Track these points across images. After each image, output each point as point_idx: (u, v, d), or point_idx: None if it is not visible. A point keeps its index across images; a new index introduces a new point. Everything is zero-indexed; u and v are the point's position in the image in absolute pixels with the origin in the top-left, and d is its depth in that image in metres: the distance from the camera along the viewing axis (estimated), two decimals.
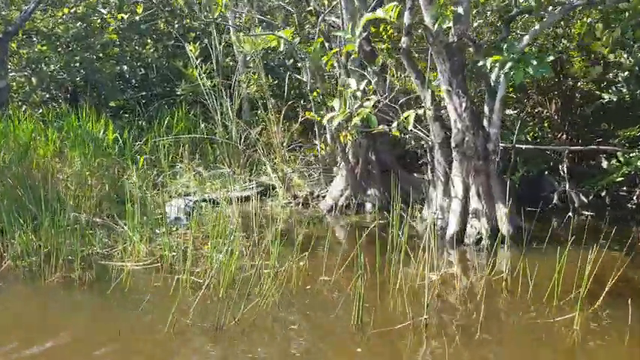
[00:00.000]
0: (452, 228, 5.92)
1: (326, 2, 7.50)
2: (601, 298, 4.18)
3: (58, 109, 9.38)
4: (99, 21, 9.81)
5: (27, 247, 5.52)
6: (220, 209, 5.96)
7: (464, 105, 5.83)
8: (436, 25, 5.51)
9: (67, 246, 5.38)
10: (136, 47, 10.27)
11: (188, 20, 10.67)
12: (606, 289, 4.16)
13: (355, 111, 5.90)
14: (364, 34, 6.51)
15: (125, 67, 9.68)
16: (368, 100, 5.86)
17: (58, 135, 7.44)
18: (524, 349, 3.89)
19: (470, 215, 5.90)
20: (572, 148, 6.77)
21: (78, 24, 9.24)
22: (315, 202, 7.61)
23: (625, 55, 6.45)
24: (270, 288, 4.34)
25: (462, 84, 5.86)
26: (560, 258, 4.25)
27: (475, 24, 6.36)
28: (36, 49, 9.61)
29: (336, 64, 7.39)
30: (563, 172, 7.20)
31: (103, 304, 4.69)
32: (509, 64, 5.49)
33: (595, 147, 6.84)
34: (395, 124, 6.28)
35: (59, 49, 9.84)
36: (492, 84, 6.01)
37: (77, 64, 9.49)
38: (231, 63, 10.08)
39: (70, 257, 5.31)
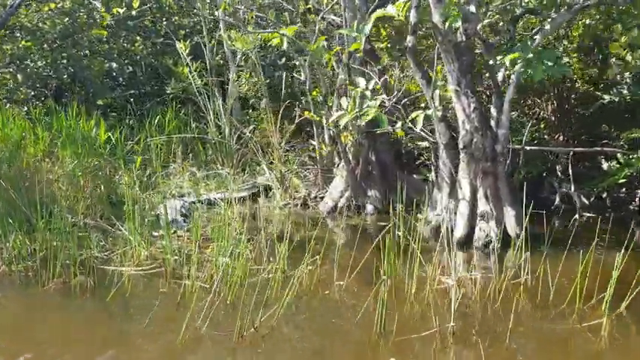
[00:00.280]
0: (459, 231, 5.80)
1: (325, 0, 7.34)
2: (626, 302, 4.10)
3: (43, 107, 9.10)
4: (85, 17, 9.53)
5: (21, 251, 5.30)
6: (224, 210, 5.75)
7: (472, 105, 5.72)
8: (447, 24, 5.38)
9: (64, 250, 5.16)
10: (124, 44, 10.00)
11: (177, 18, 10.46)
12: (631, 293, 4.07)
13: (363, 110, 5.74)
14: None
15: (114, 65, 9.41)
16: (375, 99, 5.71)
17: (47, 134, 7.19)
18: (556, 356, 3.78)
19: (478, 218, 5.79)
20: (576, 149, 6.71)
21: (66, 19, 8.95)
22: (313, 204, 7.45)
23: (629, 56, 6.39)
24: (286, 293, 4.16)
25: (470, 84, 5.76)
26: (583, 260, 4.16)
27: (479, 25, 6.22)
28: (20, 45, 9.30)
29: (334, 64, 7.25)
30: (568, 173, 7.14)
31: (106, 312, 4.48)
32: (520, 64, 5.38)
33: (599, 149, 6.78)
34: (399, 124, 6.17)
35: (44, 45, 9.54)
36: (500, 84, 5.93)
37: (64, 61, 9.21)
38: (221, 61, 9.88)
39: (66, 262, 5.10)
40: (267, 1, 9.51)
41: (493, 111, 5.98)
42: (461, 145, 5.83)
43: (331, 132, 7.73)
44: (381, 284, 3.98)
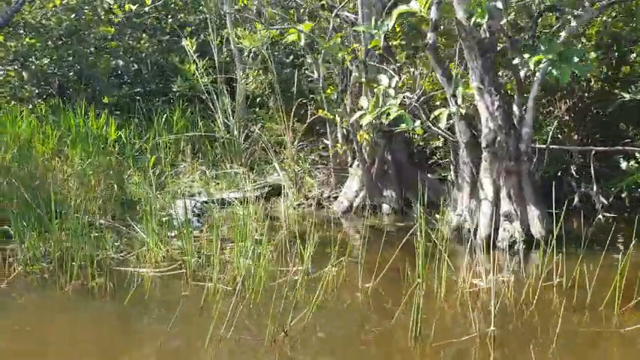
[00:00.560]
0: (483, 231, 5.69)
1: None
2: None
3: (47, 105, 8.93)
4: (90, 14, 9.38)
5: (36, 253, 5.15)
6: (243, 210, 5.62)
7: (496, 103, 5.61)
8: (472, 21, 5.26)
9: (81, 251, 5.02)
10: (130, 42, 9.84)
11: (182, 15, 10.31)
12: None
13: (384, 109, 5.62)
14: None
15: (120, 62, 9.25)
16: (396, 97, 5.59)
17: (56, 132, 7.03)
18: None
19: (501, 218, 5.67)
20: (598, 148, 6.59)
21: (72, 16, 8.80)
22: (327, 204, 7.32)
23: None
24: (316, 296, 4.03)
25: (493, 82, 5.64)
26: (622, 261, 4.04)
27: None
28: (24, 43, 9.14)
29: (348, 62, 7.11)
30: (582, 173, 7.03)
31: (128, 316, 4.34)
32: (545, 63, 5.27)
33: (621, 148, 6.68)
34: (418, 122, 6.05)
35: (49, 43, 9.38)
36: (522, 82, 5.82)
37: (70, 59, 9.05)
38: (227, 59, 9.74)
39: (82, 263, 4.95)
40: None
41: (515, 109, 5.87)
42: (484, 144, 5.72)
43: (344, 130, 7.62)
44: (416, 287, 3.83)
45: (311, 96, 9.00)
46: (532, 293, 4.33)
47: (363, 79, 6.77)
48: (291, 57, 10.00)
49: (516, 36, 6.31)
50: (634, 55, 6.89)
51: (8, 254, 5.15)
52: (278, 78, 9.42)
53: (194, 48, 9.06)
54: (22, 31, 9.47)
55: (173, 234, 5.93)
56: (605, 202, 6.98)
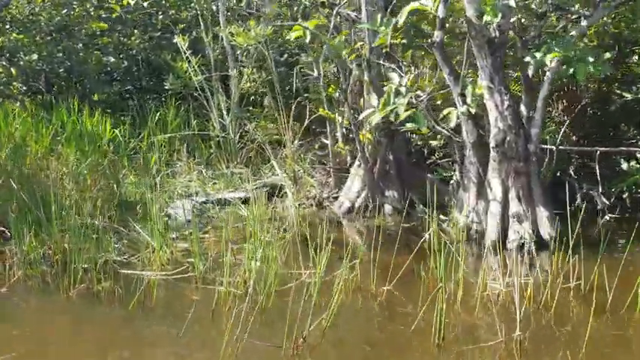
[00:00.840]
0: (492, 233, 5.61)
1: None
2: None
3: (34, 102, 8.72)
4: (80, 9, 9.16)
5: (35, 255, 4.98)
6: (250, 210, 5.49)
7: (506, 103, 5.54)
8: (484, 19, 5.18)
9: (83, 253, 4.86)
10: (120, 38, 9.64)
11: (173, 11, 10.11)
12: None
13: (391, 107, 5.53)
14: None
15: (111, 59, 9.04)
16: (405, 96, 5.50)
17: (49, 130, 6.83)
18: None
19: (510, 219, 5.61)
20: (602, 149, 6.56)
21: (64, 11, 8.58)
22: (327, 204, 7.21)
23: None
24: (334, 300, 3.92)
25: (503, 81, 5.57)
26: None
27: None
28: (11, 38, 8.90)
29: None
30: (580, 173, 7.00)
31: (138, 322, 4.21)
32: (556, 61, 5.21)
33: (625, 148, 6.66)
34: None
35: (37, 38, 9.14)
36: (530, 81, 5.76)
37: (60, 54, 8.82)
38: (219, 56, 9.57)
39: (84, 266, 4.80)
40: None
41: (523, 109, 5.81)
42: (493, 144, 5.64)
43: (344, 130, 7.51)
44: (438, 291, 3.74)
45: (305, 95, 8.88)
46: (551, 296, 4.26)
47: (366, 78, 6.68)
48: (285, 55, 9.86)
49: (531, 34, 6.24)
50: (636, 57, 6.86)
51: (7, 257, 4.97)
52: (273, 77, 9.30)
53: (186, 45, 8.89)
54: (8, 27, 9.23)
55: (174, 235, 5.79)
56: (607, 202, 6.96)
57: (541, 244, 5.51)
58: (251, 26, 8.24)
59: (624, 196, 7.09)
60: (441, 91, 6.40)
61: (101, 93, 9.10)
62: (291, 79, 9.22)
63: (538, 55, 5.19)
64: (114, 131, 7.23)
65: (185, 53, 8.81)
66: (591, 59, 5.02)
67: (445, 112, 5.62)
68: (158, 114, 8.49)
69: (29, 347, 3.82)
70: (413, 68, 7.12)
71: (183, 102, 9.20)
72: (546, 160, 6.22)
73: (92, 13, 9.37)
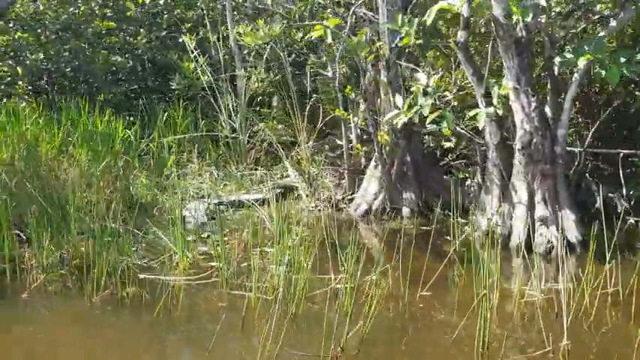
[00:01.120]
0: (518, 236, 5.52)
1: None
2: None
3: (38, 102, 8.54)
4: (86, 7, 9.00)
5: (53, 259, 4.83)
6: (268, 211, 5.37)
7: (533, 104, 5.44)
8: (514, 19, 5.08)
9: (101, 257, 4.71)
10: (126, 37, 9.48)
11: (179, 10, 9.96)
12: None
13: (415, 109, 5.43)
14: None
15: (119, 59, 8.88)
16: (432, 97, 5.39)
17: (62, 130, 6.68)
18: None
19: (538, 222, 5.51)
20: (624, 151, 6.47)
21: (70, 9, 8.42)
22: (343, 206, 7.09)
23: None
24: (373, 308, 3.80)
25: (530, 82, 5.48)
26: None
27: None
28: (16, 37, 8.72)
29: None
30: (594, 175, 6.92)
31: (169, 331, 4.08)
32: (585, 62, 5.11)
33: None
34: (444, 123, 5.85)
35: (41, 37, 8.97)
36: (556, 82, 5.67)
37: (66, 54, 8.65)
38: (225, 57, 9.43)
39: (107, 270, 4.65)
40: None
41: (548, 110, 5.71)
42: (519, 146, 5.55)
43: (358, 131, 7.40)
44: (482, 299, 3.63)
45: (314, 95, 8.76)
46: (589, 303, 4.15)
47: (384, 79, 6.56)
48: (293, 55, 9.74)
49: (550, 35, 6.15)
50: None
51: (26, 261, 4.81)
52: (282, 77, 9.16)
53: (193, 45, 8.76)
54: (12, 25, 9.05)
55: (190, 238, 5.65)
56: (627, 205, 6.88)
57: (568, 247, 5.42)
58: (259, 26, 8.11)
59: None
60: (459, 93, 6.32)
61: (108, 93, 8.95)
62: (298, 79, 9.13)
63: (569, 55, 5.09)
64: (126, 132, 7.07)
65: (193, 52, 8.68)
66: (623, 60, 4.91)
67: (471, 113, 5.51)
68: (166, 114, 8.35)
69: (55, 354, 3.68)
70: (429, 69, 7.03)
71: (191, 102, 9.07)
72: (576, 162, 6.08)
73: (97, 12, 9.23)
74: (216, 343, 3.73)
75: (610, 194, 6.84)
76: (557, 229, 5.45)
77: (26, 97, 8.80)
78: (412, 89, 5.52)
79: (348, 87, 6.92)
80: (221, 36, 8.87)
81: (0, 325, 4.07)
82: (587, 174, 7.29)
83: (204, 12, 9.62)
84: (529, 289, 4.38)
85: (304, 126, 7.52)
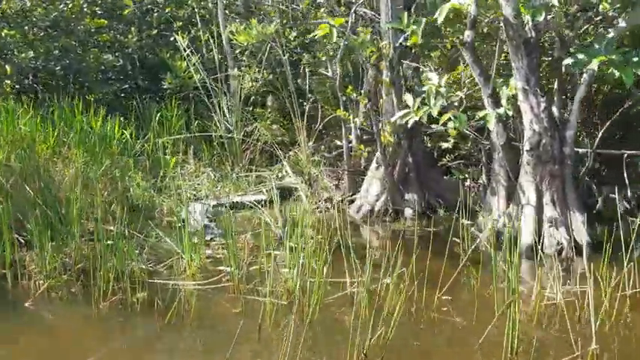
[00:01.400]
0: (527, 238, 5.46)
1: None
2: None
3: (29, 101, 8.32)
4: (75, 5, 8.79)
5: (56, 264, 4.67)
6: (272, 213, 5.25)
7: (542, 105, 5.40)
8: (526, 18, 5.03)
9: (106, 262, 4.56)
10: (117, 35, 9.29)
11: (170, 8, 9.78)
12: None
13: (425, 109, 5.36)
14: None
15: (110, 57, 8.68)
16: (444, 97, 5.32)
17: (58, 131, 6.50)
18: None
19: (546, 224, 5.47)
20: (629, 152, 6.46)
21: (61, 6, 8.22)
22: (344, 207, 7.00)
23: None
24: (396, 314, 3.72)
25: (539, 82, 5.43)
26: None
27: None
28: (3, 34, 8.48)
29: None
30: (592, 175, 6.92)
31: (184, 339, 3.93)
32: (596, 63, 5.07)
33: None
34: (451, 123, 5.79)
35: (29, 34, 8.74)
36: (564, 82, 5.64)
37: (56, 52, 8.44)
38: (219, 56, 9.28)
39: (113, 275, 4.50)
40: None
41: (555, 110, 5.68)
42: (527, 147, 5.50)
43: (358, 132, 7.32)
44: (511, 304, 3.56)
45: (309, 95, 8.66)
46: (609, 305, 4.11)
47: (386, 79, 6.48)
48: (286, 55, 9.62)
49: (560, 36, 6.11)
50: None
51: (27, 265, 4.65)
52: (275, 76, 9.04)
53: (185, 43, 8.61)
54: None
55: (195, 241, 5.51)
56: (628, 205, 6.89)
57: (577, 249, 5.39)
58: (252, 24, 8.00)
59: None
60: (467, 92, 6.26)
61: (99, 92, 8.75)
62: (293, 79, 9.02)
63: (580, 56, 5.05)
64: (123, 132, 6.90)
65: (185, 51, 8.53)
66: (635, 59, 4.89)
67: (481, 114, 5.45)
68: (159, 114, 8.18)
69: None
70: (435, 69, 6.97)
71: (184, 102, 8.91)
72: (586, 163, 6.05)
73: (86, 9, 9.02)
74: (235, 350, 3.61)
75: (611, 195, 6.86)
76: (567, 231, 5.42)
77: (12, 96, 8.58)
78: (415, 89, 5.42)
79: (350, 87, 6.84)
80: (215, 35, 8.72)
81: (6, 335, 3.89)
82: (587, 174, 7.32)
83: (196, 10, 9.46)
84: (548, 291, 4.30)
85: (304, 124, 7.41)
